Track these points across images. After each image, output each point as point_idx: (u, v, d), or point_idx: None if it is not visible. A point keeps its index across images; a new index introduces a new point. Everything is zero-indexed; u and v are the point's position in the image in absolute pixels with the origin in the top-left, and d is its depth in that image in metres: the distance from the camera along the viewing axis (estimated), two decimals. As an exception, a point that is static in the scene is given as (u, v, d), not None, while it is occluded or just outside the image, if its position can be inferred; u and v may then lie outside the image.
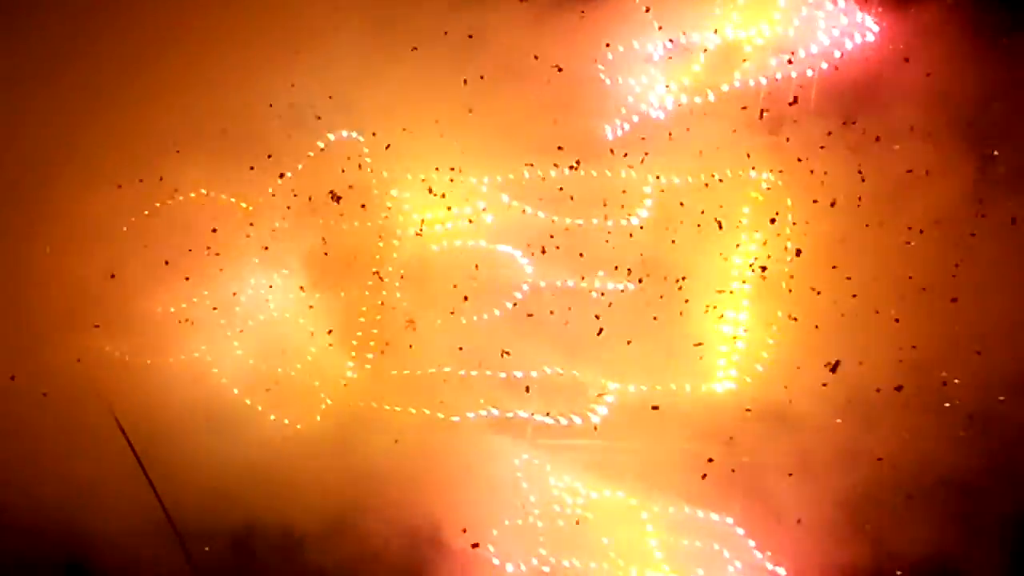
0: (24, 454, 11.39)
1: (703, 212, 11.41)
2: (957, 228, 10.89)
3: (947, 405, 10.99)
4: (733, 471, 11.10)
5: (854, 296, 10.87)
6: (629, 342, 11.32)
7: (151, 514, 11.32)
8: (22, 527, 11.25)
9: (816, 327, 10.87)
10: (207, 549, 11.60)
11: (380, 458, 11.37)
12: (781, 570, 10.81)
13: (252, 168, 12.10)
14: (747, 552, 10.88)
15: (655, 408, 11.27)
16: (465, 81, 11.72)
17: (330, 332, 11.82)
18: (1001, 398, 10.79)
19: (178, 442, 11.35)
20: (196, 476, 11.19)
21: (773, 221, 11.29)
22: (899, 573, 10.86)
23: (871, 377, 10.81)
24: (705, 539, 11.00)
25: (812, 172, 11.17)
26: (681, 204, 11.48)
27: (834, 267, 10.97)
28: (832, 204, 11.09)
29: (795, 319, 11.08)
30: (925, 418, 10.87)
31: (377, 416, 11.77)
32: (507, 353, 11.52)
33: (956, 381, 10.93)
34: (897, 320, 10.81)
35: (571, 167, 11.73)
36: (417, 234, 11.95)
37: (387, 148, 11.99)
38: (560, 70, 11.77)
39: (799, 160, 11.24)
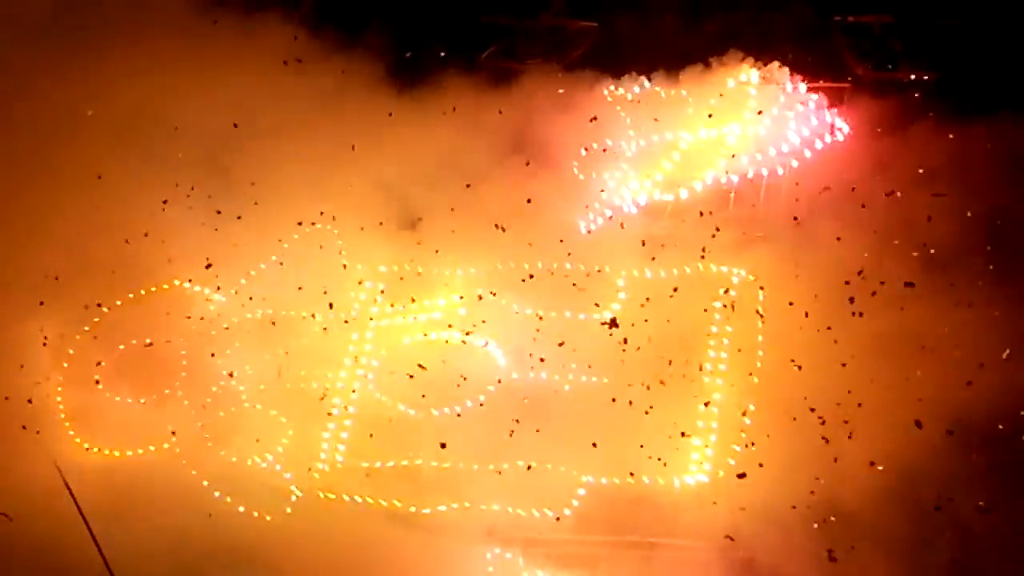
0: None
1: (676, 305, 11.50)
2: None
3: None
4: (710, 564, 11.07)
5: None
6: (594, 443, 11.24)
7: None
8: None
9: (794, 419, 10.85)
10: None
11: (350, 551, 11.23)
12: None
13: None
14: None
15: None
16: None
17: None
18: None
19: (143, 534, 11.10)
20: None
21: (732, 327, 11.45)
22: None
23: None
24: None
25: (785, 268, 11.31)
26: (647, 300, 11.59)
27: (799, 367, 11.04)
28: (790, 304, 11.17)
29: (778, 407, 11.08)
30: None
31: (347, 508, 11.66)
32: (483, 444, 11.47)
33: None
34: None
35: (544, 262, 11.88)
36: (391, 319, 12.01)
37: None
38: (528, 164, 11.95)
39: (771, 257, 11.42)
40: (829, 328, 10.95)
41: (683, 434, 11.26)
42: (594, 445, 11.16)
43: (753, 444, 11.12)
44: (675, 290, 11.62)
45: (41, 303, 11.93)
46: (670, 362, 11.40)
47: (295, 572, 11.14)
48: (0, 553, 11.13)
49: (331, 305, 12.04)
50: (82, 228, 12.03)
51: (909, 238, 11.21)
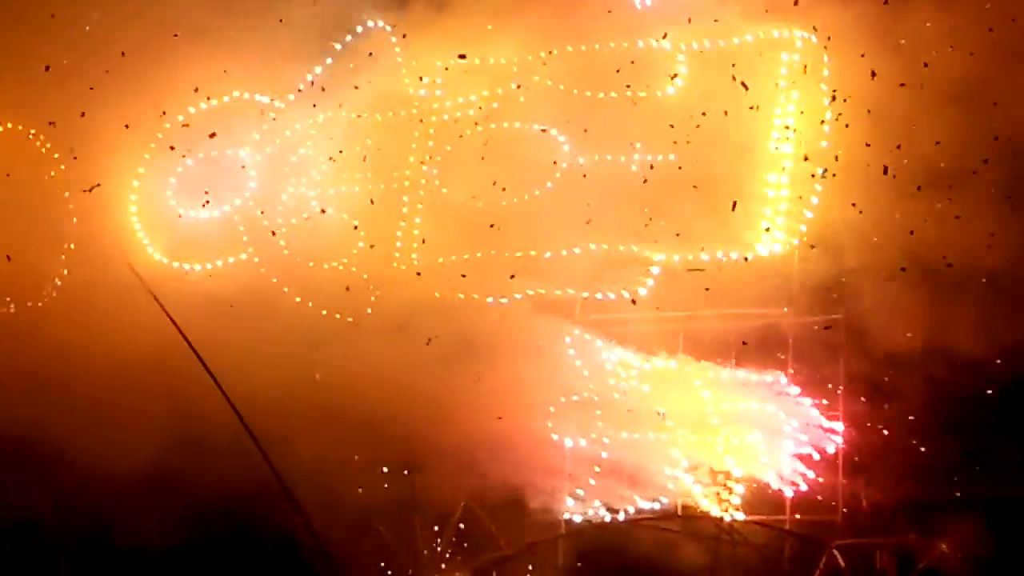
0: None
1: (735, 77, 11.25)
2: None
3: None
4: (784, 331, 11.13)
5: (898, 147, 10.64)
6: (663, 221, 11.23)
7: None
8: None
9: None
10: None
11: (434, 343, 11.43)
12: (838, 425, 10.91)
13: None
14: (802, 410, 10.97)
15: (696, 271, 11.24)
16: None
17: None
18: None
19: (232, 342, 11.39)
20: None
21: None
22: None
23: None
24: (759, 401, 11.08)
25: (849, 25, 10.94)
26: (708, 71, 11.34)
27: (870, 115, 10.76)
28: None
29: (835, 175, 10.91)
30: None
31: (427, 305, 11.81)
32: (553, 230, 11.50)
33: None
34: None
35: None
36: (455, 121, 11.93)
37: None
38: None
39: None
40: (902, 85, 10.63)
41: (758, 207, 11.14)
42: (671, 217, 11.12)
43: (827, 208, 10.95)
44: (737, 54, 11.30)
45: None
46: (738, 138, 11.18)
47: (386, 369, 11.33)
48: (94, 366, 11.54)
49: None
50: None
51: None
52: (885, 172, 10.56)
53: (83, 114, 11.92)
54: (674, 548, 11.05)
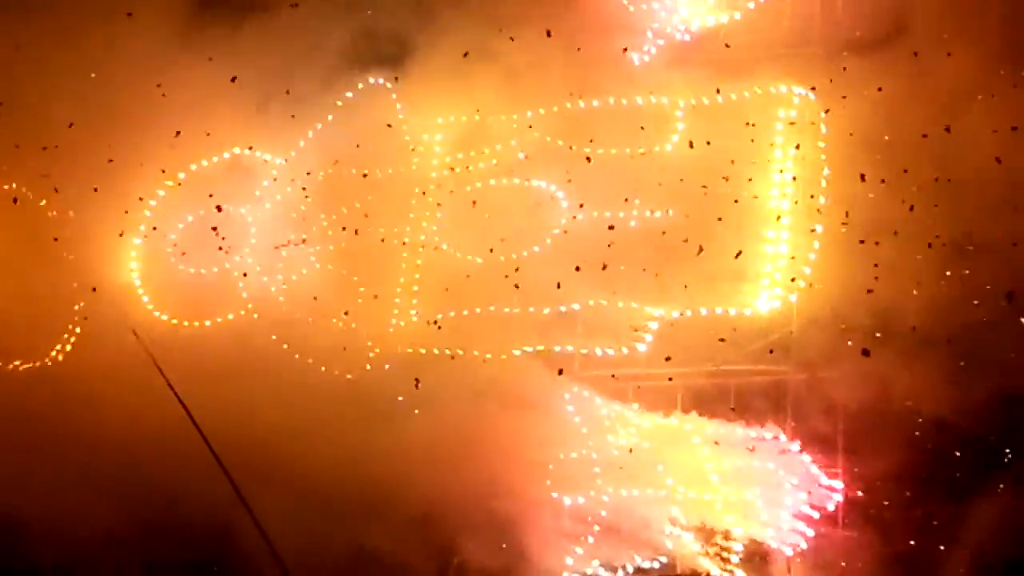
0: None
1: (734, 132, 11.28)
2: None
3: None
4: (783, 388, 11.10)
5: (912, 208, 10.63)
6: (658, 275, 11.26)
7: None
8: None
9: (861, 242, 10.67)
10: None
11: (430, 400, 11.41)
12: (837, 482, 10.83)
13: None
14: (802, 467, 10.90)
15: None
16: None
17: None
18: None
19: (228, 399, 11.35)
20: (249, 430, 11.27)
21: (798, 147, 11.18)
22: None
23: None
24: (759, 458, 11.01)
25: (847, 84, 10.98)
26: (707, 129, 11.37)
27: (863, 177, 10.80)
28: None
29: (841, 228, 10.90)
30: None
31: (424, 360, 11.79)
32: (551, 287, 11.49)
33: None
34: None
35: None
36: (454, 177, 11.98)
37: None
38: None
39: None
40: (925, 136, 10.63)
41: (756, 262, 11.16)
42: (669, 273, 11.16)
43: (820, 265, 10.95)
44: (735, 110, 11.36)
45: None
46: (736, 193, 11.21)
47: (382, 424, 11.31)
48: (95, 422, 11.52)
49: None
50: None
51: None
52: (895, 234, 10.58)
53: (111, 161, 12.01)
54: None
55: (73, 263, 12.30)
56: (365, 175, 12.12)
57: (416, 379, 11.28)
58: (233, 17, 12.24)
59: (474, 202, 11.83)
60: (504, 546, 11.10)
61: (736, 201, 11.20)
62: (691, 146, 11.29)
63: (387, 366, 11.81)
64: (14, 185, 12.52)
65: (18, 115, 12.05)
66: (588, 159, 11.61)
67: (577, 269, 11.24)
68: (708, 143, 11.32)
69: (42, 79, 12.17)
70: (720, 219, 11.19)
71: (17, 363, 12.32)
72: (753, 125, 11.32)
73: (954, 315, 10.65)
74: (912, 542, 10.98)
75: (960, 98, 10.65)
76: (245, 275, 12.18)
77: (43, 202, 12.43)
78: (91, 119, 12.01)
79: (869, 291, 10.60)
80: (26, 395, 12.00)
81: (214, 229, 11.98)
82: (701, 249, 10.98)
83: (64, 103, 12.11)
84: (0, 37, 12.15)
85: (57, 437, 11.58)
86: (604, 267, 11.33)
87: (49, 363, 12.30)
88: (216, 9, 12.32)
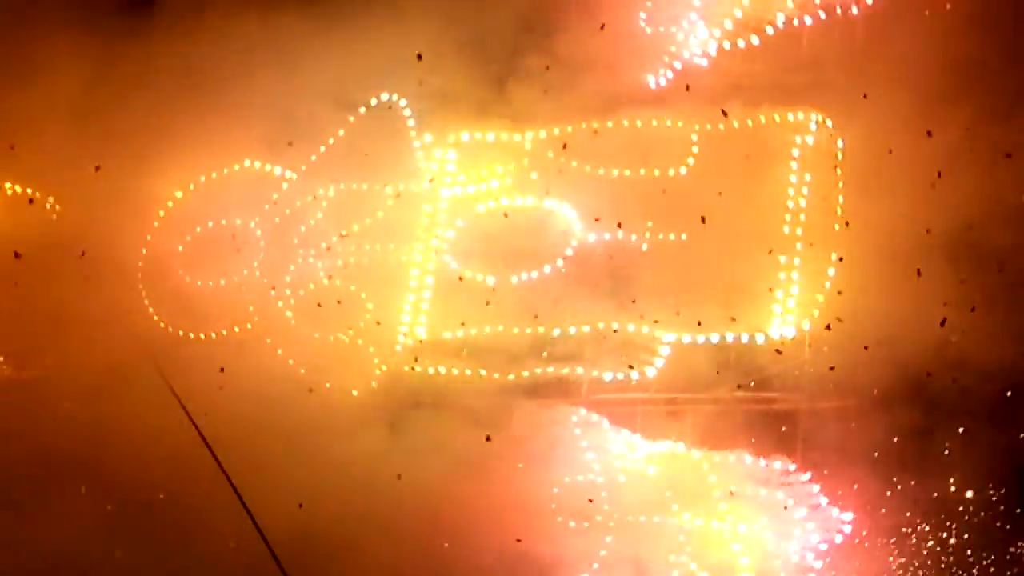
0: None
1: (749, 157, 11.20)
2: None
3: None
4: (794, 417, 10.96)
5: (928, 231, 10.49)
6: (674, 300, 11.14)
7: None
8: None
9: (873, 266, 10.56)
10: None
11: (436, 421, 11.31)
12: (847, 515, 10.68)
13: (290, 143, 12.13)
14: (812, 498, 10.75)
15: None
16: None
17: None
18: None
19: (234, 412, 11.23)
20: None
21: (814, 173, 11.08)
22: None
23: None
24: (767, 487, 10.86)
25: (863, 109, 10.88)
26: (722, 153, 11.30)
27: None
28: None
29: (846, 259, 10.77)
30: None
31: (431, 380, 11.70)
32: (562, 309, 11.38)
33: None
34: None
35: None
36: (466, 196, 11.90)
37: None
38: (602, 26, 11.59)
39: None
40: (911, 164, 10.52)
41: (769, 289, 11.01)
42: (680, 297, 11.05)
43: (840, 293, 10.81)
44: (752, 135, 11.25)
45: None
46: (749, 218, 11.11)
47: (383, 445, 11.21)
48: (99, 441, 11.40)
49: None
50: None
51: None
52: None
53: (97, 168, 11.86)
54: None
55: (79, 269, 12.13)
56: (375, 189, 12.00)
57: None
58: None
59: (496, 217, 11.72)
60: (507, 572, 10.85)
61: (750, 226, 11.05)
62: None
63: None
64: (29, 190, 12.41)
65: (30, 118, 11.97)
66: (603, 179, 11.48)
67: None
68: (722, 167, 11.17)
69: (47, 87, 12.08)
70: (732, 244, 11.06)
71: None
72: (769, 150, 11.17)
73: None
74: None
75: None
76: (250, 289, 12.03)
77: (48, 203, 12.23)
78: (101, 126, 11.93)
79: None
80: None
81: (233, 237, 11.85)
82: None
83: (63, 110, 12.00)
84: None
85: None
86: (615, 290, 11.24)
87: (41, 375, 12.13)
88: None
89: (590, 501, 11.02)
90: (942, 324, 10.38)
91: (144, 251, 12.25)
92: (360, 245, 11.97)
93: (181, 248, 12.21)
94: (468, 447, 11.15)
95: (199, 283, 12.20)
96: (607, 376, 11.45)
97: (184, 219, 12.25)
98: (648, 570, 10.83)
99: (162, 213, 12.27)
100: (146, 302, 12.17)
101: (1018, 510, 10.80)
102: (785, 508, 10.71)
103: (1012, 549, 10.71)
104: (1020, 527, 10.73)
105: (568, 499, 11.10)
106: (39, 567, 11.46)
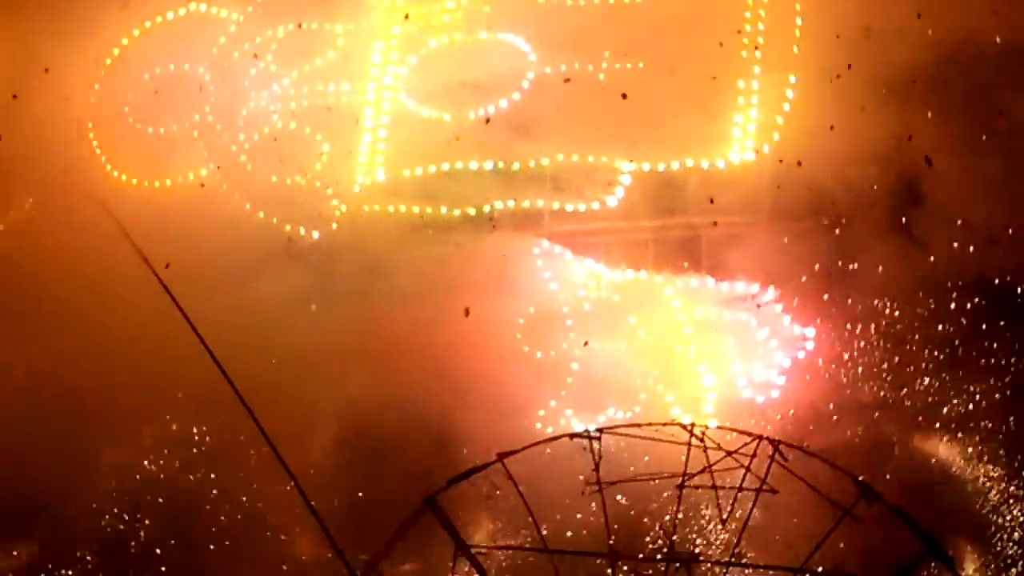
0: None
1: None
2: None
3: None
4: (755, 241, 11.03)
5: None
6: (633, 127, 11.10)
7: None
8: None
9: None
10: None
11: (397, 260, 11.24)
12: (809, 331, 10.82)
13: None
14: (775, 317, 10.87)
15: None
16: None
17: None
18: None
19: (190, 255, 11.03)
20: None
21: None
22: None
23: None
24: (731, 309, 10.97)
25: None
26: None
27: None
28: None
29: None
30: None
31: (391, 219, 11.62)
32: (520, 142, 11.30)
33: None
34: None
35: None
36: (419, 31, 11.68)
37: None
38: None
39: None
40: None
41: (728, 113, 11.02)
42: (641, 125, 10.98)
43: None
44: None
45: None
46: (707, 44, 10.99)
47: (345, 282, 11.15)
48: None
49: None
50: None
51: None
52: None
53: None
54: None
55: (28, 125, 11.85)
56: (326, 28, 11.77)
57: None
58: None
59: (451, 52, 11.59)
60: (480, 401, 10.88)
61: (707, 51, 10.96)
62: None
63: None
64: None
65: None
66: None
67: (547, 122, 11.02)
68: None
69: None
70: (690, 70, 10.98)
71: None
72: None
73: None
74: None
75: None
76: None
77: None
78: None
79: (832, 127, 10.42)
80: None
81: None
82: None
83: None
84: None
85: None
86: (573, 121, 11.16)
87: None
88: None
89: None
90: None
91: (93, 100, 11.89)
92: (312, 86, 11.75)
93: (131, 96, 11.89)
94: (432, 283, 11.08)
95: (150, 130, 11.93)
96: (568, 207, 11.42)
97: (132, 66, 11.92)
98: (614, 396, 10.92)
99: (108, 61, 11.91)
100: (99, 152, 11.88)
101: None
102: (749, 328, 10.83)
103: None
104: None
105: (534, 330, 11.14)
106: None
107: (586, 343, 10.87)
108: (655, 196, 11.27)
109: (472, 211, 11.44)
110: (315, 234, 11.64)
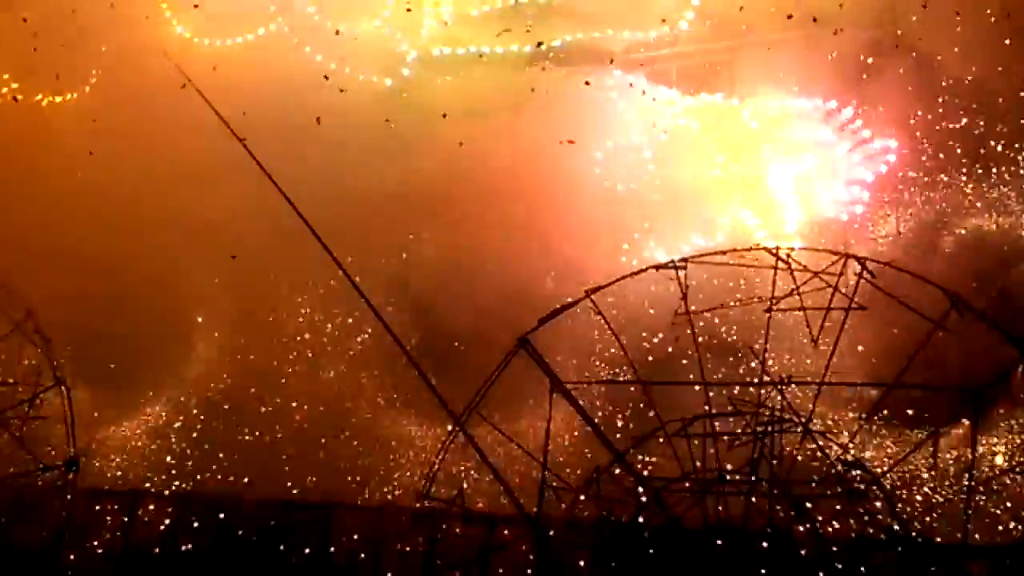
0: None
1: None
2: None
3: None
4: (833, 55, 10.81)
5: None
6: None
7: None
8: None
9: None
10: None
11: (474, 100, 11.18)
12: (891, 143, 10.67)
13: None
14: (856, 133, 10.71)
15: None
16: None
17: None
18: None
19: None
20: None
21: None
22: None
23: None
24: (811, 128, 10.82)
25: None
26: None
27: None
28: None
29: None
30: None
31: (463, 60, 11.58)
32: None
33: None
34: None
35: None
36: None
37: None
38: None
39: None
40: None
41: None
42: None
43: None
44: None
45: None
46: None
47: (418, 128, 11.12)
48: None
49: None
50: None
51: None
52: None
53: None
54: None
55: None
56: None
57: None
58: None
59: None
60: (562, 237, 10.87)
61: None
62: None
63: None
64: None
65: None
66: None
67: None
68: None
69: None
70: None
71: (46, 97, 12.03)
72: None
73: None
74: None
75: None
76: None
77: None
78: None
79: None
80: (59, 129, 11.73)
81: None
82: None
83: None
84: None
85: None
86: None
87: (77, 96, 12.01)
88: None
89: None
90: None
91: (160, -37, 11.83)
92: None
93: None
94: (508, 123, 11.04)
95: (216, -10, 11.84)
96: (638, 35, 11.25)
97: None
98: (699, 221, 10.87)
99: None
100: (168, 13, 11.86)
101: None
102: (830, 145, 10.70)
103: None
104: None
105: (612, 164, 11.08)
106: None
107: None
108: (726, 17, 11.04)
109: (542, 46, 11.30)
110: (387, 81, 11.60)
